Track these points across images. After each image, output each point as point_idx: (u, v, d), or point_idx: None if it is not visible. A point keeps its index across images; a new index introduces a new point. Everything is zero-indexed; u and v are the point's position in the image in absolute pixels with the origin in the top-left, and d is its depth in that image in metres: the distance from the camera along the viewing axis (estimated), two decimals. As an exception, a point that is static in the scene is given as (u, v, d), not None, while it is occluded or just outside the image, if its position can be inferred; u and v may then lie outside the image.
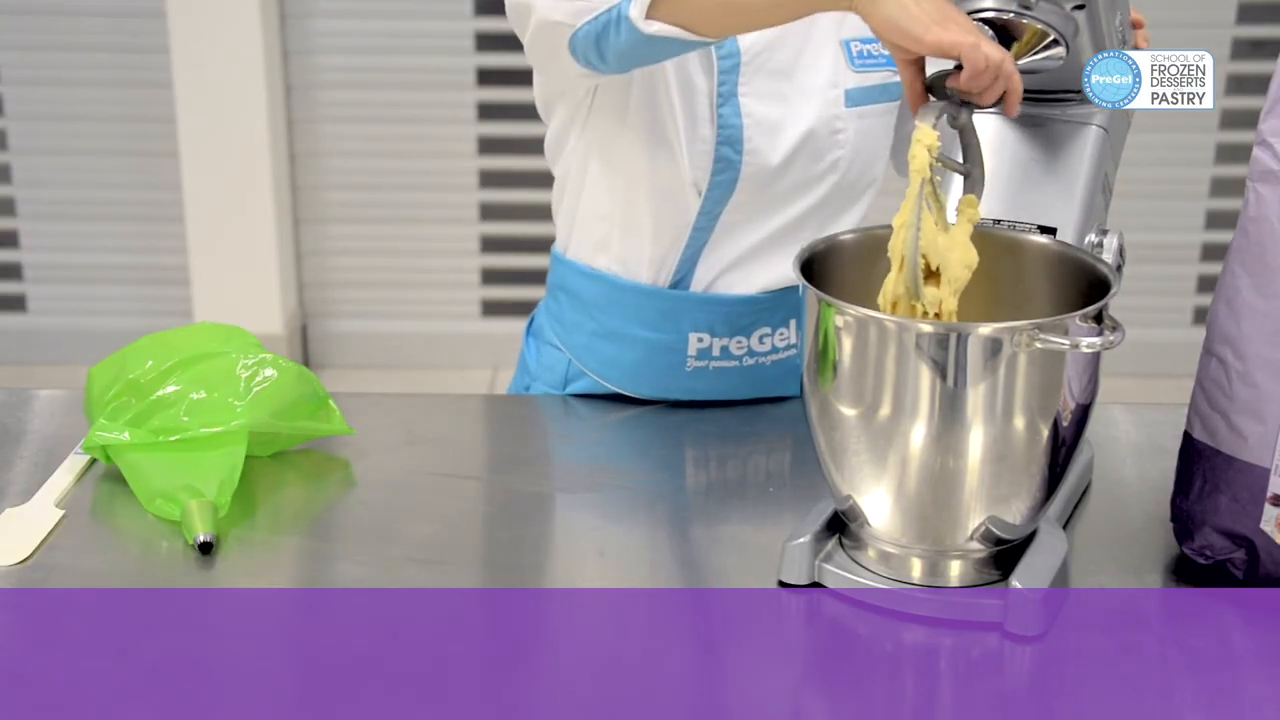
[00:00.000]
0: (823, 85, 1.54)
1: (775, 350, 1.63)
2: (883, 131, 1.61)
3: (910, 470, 1.18)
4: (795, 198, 1.56)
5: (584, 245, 1.63)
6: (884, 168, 1.64)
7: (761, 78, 1.51)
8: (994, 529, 1.21)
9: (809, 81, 1.54)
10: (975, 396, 1.14)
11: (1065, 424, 1.18)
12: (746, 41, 1.51)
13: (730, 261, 1.58)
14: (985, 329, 1.13)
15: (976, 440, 1.15)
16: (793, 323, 1.62)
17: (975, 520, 1.20)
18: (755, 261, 1.58)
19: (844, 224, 1.61)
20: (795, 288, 1.58)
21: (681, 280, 1.59)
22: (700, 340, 1.60)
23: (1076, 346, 1.12)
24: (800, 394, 1.25)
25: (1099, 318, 1.16)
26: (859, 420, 1.18)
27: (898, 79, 1.55)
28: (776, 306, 1.61)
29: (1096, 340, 1.13)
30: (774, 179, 1.54)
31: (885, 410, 1.16)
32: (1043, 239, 1.31)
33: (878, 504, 1.21)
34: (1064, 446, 1.19)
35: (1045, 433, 1.17)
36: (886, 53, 1.53)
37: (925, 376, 1.14)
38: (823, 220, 1.59)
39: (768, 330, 1.61)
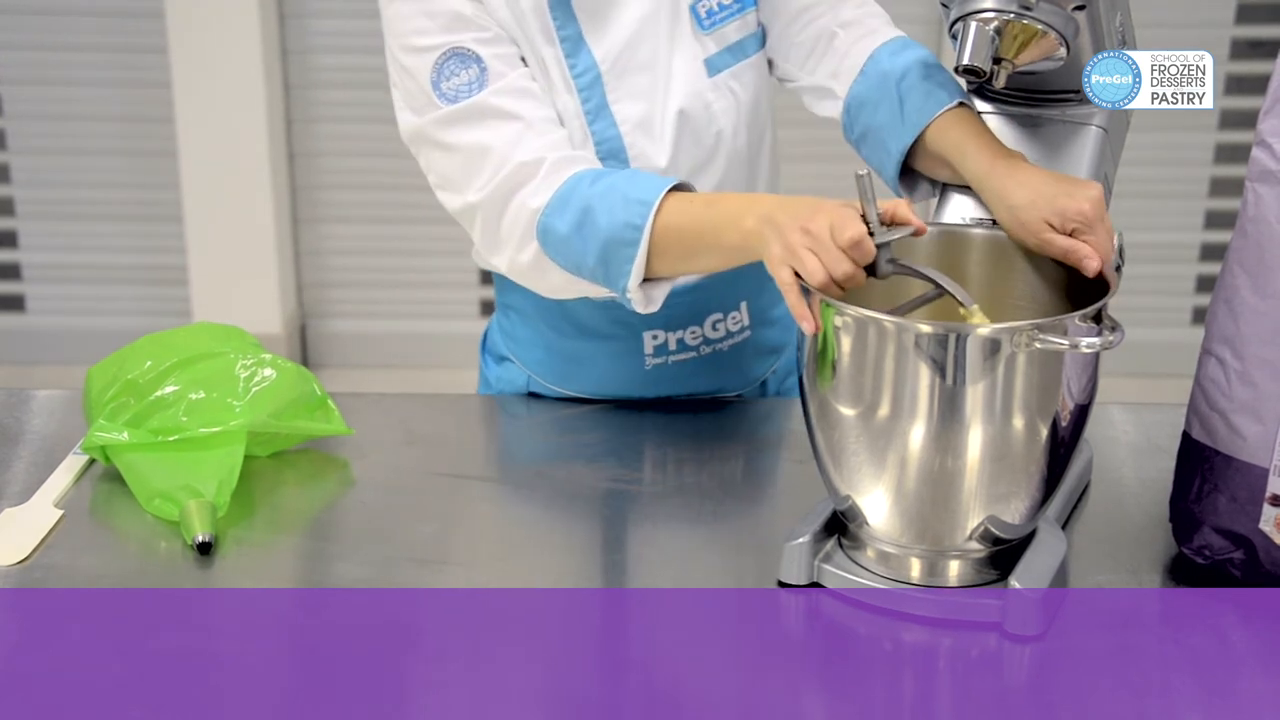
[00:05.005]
0: (685, 63, 1.50)
1: (730, 335, 1.62)
2: (756, 88, 1.55)
3: (909, 470, 1.18)
4: (694, 182, 1.51)
5: None
6: (771, 124, 1.60)
7: (629, 77, 1.48)
8: (993, 529, 1.21)
9: (673, 65, 1.49)
10: (974, 396, 1.14)
11: (1064, 424, 1.18)
12: (601, 50, 1.47)
13: None
14: (984, 330, 1.13)
15: (975, 440, 1.15)
16: (743, 305, 1.61)
17: (974, 520, 1.20)
18: None
19: (757, 189, 1.58)
20: (737, 268, 1.57)
21: None
22: (655, 337, 1.59)
23: (1075, 347, 1.12)
24: (799, 387, 1.25)
25: (1098, 318, 1.16)
26: (858, 420, 1.18)
27: (752, 31, 1.53)
28: (723, 290, 1.58)
29: (1096, 340, 1.12)
30: (667, 174, 1.49)
31: (884, 410, 1.16)
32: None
33: (877, 504, 1.21)
34: (1063, 446, 1.19)
35: (1044, 433, 1.17)
36: (729, 1, 1.52)
37: (924, 376, 1.14)
38: (739, 185, 1.55)
39: (719, 315, 1.60)
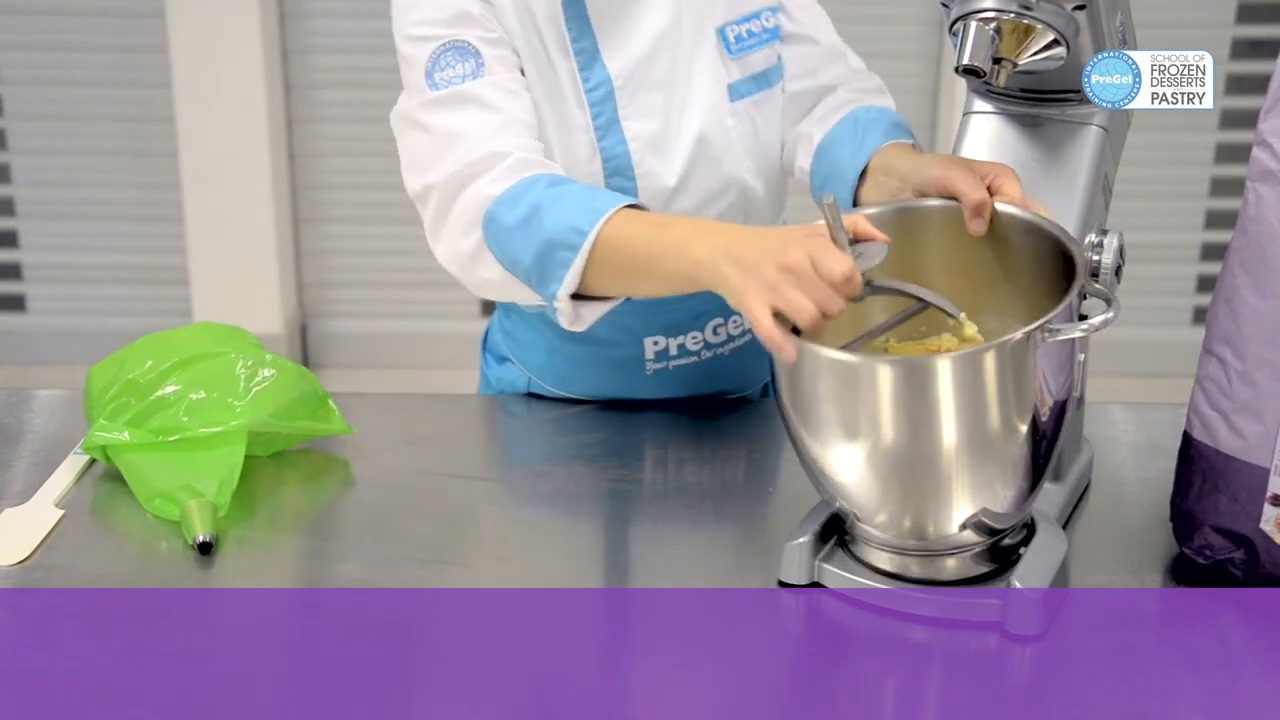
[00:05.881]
0: (707, 86, 1.49)
1: (731, 339, 1.61)
2: (775, 118, 1.55)
3: (895, 467, 1.17)
4: (704, 209, 1.50)
5: None
6: (783, 156, 1.58)
7: (644, 93, 1.47)
8: (984, 519, 1.20)
9: (692, 85, 1.48)
10: (951, 389, 1.13)
11: (1044, 416, 1.17)
12: (616, 66, 1.45)
13: None
14: (958, 356, 1.12)
15: (951, 431, 1.14)
16: None
17: (964, 511, 1.19)
18: None
19: (770, 219, 1.58)
20: None
21: None
22: (655, 343, 1.58)
23: (1058, 332, 1.13)
24: (775, 393, 1.24)
25: (1084, 297, 1.17)
26: (839, 418, 1.17)
27: (775, 63, 1.54)
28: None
29: (1097, 320, 1.13)
30: (674, 197, 1.49)
31: (865, 407, 1.15)
32: (1012, 210, 1.28)
33: (868, 503, 1.21)
34: (1044, 439, 1.19)
35: (1025, 420, 1.16)
36: (768, 27, 1.52)
37: (896, 384, 1.14)
38: (746, 221, 1.53)
39: (720, 320, 1.59)
